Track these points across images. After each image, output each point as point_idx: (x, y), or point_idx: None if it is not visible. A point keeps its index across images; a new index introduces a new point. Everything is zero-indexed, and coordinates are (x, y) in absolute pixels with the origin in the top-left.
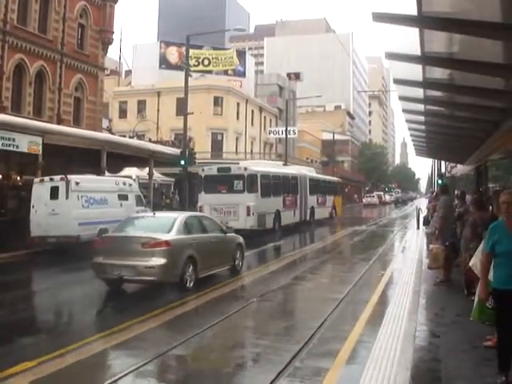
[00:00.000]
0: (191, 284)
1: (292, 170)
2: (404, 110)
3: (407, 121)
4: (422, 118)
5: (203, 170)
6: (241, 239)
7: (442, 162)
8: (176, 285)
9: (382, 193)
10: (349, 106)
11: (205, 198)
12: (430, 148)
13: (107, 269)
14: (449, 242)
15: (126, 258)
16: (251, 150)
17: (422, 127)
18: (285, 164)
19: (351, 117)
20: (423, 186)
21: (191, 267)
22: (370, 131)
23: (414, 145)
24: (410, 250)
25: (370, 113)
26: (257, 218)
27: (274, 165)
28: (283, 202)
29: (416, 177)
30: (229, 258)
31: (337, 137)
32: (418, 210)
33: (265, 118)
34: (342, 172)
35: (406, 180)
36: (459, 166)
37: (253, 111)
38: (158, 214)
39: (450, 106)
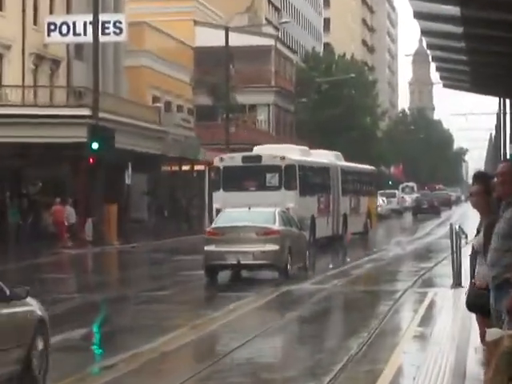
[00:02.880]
0: (292, 271)
1: (317, 156)
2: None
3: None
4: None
5: (222, 159)
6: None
7: None
8: (281, 271)
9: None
10: None
11: (224, 198)
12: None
13: (224, 256)
14: None
15: (243, 246)
16: None
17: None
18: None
19: None
20: (471, 169)
21: (289, 257)
22: (327, 29)
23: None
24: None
25: None
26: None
27: (295, 149)
28: (318, 205)
29: (455, 143)
30: (303, 255)
31: (238, 39)
32: (457, 239)
33: None
34: (256, 136)
35: (432, 151)
36: None
37: None
38: (253, 208)
39: None
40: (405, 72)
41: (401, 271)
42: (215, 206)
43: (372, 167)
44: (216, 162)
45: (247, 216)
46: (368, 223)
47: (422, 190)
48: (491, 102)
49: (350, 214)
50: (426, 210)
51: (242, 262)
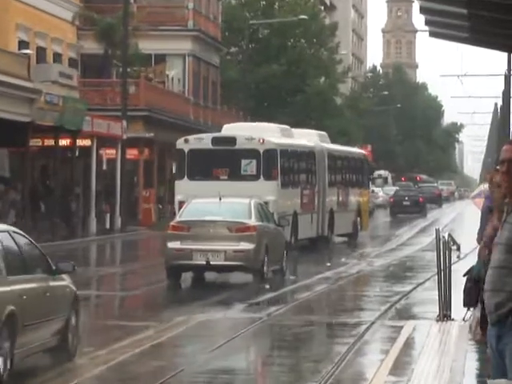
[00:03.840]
0: (269, 274)
1: (299, 137)
2: None
3: None
4: None
5: (186, 140)
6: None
7: None
8: (256, 274)
9: None
10: None
11: (189, 188)
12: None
13: (191, 254)
14: None
15: (213, 243)
16: None
17: None
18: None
19: None
20: (467, 153)
21: (266, 257)
22: None
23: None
24: None
25: None
26: (277, 223)
27: (275, 129)
28: (301, 199)
29: (446, 117)
30: (280, 256)
31: None
32: (446, 253)
33: None
34: (167, 100)
35: (414, 127)
36: None
37: None
38: (224, 198)
39: None
40: (377, 15)
41: (366, 296)
42: (178, 197)
43: (362, 151)
44: (179, 143)
45: (218, 208)
46: (358, 222)
47: (398, 181)
48: (496, 60)
49: (337, 211)
50: (407, 209)
51: (212, 263)
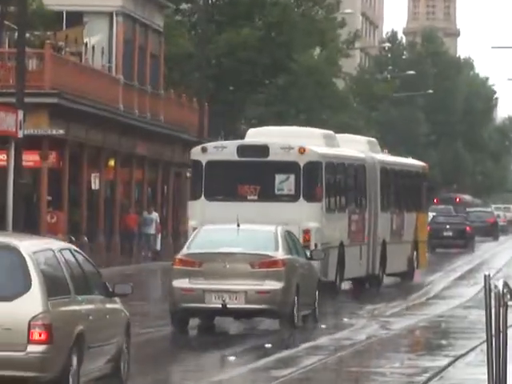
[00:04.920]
0: (299, 321)
1: (344, 144)
2: None
3: None
4: None
5: (204, 149)
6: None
7: None
8: (285, 320)
9: None
10: None
11: (206, 211)
12: None
13: (203, 296)
14: None
15: (230, 282)
16: None
17: None
18: None
19: None
20: None
21: (296, 299)
22: None
23: None
24: None
25: None
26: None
27: (317, 134)
28: (349, 226)
29: (498, 108)
30: (313, 297)
31: None
32: (500, 311)
33: None
34: (84, 80)
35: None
36: None
37: None
38: (244, 225)
39: None
40: None
41: (380, 373)
42: (192, 223)
43: (421, 163)
44: (195, 153)
45: (236, 237)
46: (415, 258)
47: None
48: None
49: (389, 242)
50: (450, 242)
51: (230, 306)
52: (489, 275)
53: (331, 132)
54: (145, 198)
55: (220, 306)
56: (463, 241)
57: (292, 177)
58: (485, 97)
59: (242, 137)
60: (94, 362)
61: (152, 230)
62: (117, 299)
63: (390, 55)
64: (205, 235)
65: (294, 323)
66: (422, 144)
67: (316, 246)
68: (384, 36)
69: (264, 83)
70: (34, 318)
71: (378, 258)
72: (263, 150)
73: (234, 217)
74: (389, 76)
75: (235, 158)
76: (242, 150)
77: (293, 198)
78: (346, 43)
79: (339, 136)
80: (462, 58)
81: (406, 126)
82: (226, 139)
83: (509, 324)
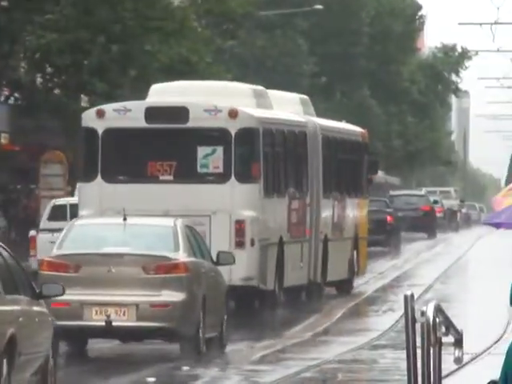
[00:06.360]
0: (204, 346)
1: (278, 104)
2: None
3: None
4: None
5: (101, 113)
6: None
7: None
8: (187, 343)
9: None
10: None
11: (104, 198)
12: None
13: (80, 311)
14: None
15: (116, 292)
16: None
17: None
18: None
19: None
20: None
21: (202, 316)
22: None
23: None
24: None
25: None
26: (259, 258)
27: (247, 91)
28: (288, 215)
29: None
30: (220, 314)
31: None
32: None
33: None
34: None
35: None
36: None
37: None
38: (132, 218)
39: None
40: None
41: None
42: (83, 212)
43: (358, 128)
44: (88, 118)
45: (123, 234)
46: (355, 260)
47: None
48: None
49: (331, 238)
50: None
51: (116, 324)
52: (411, 296)
53: (262, 88)
54: None
55: (103, 323)
56: (383, 236)
57: (220, 149)
58: (404, 15)
59: None
60: (22, 373)
61: None
62: (42, 302)
63: None
64: (81, 231)
65: (199, 348)
66: (304, 89)
67: (253, 242)
68: None
69: None
70: None
71: (320, 259)
72: (181, 112)
73: (144, 204)
74: None
75: (143, 124)
76: (153, 114)
77: (221, 179)
78: None
79: (272, 93)
80: None
81: (279, 62)
82: None
83: (446, 372)
